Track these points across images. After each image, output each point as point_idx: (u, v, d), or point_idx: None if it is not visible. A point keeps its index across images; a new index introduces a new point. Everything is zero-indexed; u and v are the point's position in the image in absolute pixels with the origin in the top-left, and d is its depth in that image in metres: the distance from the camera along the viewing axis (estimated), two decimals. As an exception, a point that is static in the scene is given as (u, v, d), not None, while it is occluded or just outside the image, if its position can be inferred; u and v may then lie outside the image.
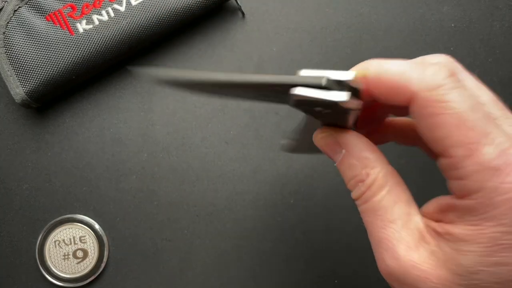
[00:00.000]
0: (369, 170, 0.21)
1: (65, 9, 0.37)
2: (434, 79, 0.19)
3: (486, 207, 0.18)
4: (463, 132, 0.18)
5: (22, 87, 0.37)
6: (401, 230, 0.21)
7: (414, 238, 0.21)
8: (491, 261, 0.18)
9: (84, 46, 0.37)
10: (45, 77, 0.37)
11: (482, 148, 0.18)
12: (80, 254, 0.39)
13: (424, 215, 0.22)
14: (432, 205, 0.22)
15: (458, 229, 0.19)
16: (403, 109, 0.22)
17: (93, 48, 0.37)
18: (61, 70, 0.37)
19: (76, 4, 0.37)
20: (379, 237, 0.21)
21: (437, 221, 0.21)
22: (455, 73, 0.19)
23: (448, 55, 0.21)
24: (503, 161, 0.18)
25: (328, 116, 0.21)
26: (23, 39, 0.37)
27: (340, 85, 0.20)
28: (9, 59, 0.37)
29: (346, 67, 0.36)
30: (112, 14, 0.37)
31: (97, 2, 0.37)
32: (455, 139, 0.18)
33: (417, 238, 0.21)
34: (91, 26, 0.37)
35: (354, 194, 0.22)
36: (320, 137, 0.23)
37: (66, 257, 0.39)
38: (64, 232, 0.39)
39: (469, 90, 0.19)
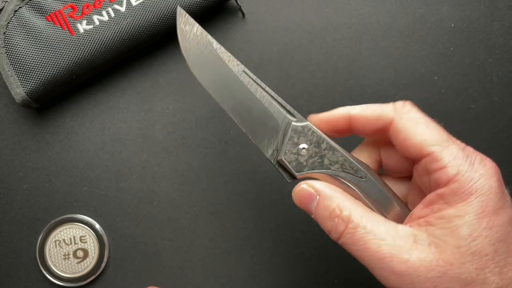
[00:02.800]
0: (341, 205, 0.26)
1: (66, 9, 0.37)
2: (404, 107, 0.27)
3: (467, 183, 0.24)
4: (435, 135, 0.25)
5: (23, 87, 0.37)
6: (395, 242, 0.24)
7: (409, 241, 0.24)
8: (483, 225, 0.23)
9: (84, 47, 0.37)
10: (45, 77, 0.37)
11: (451, 144, 0.25)
12: (80, 254, 0.39)
13: (413, 219, 0.26)
14: (417, 207, 0.26)
15: (449, 210, 0.24)
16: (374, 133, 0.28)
17: (94, 48, 0.37)
18: (62, 70, 0.37)
19: (76, 5, 0.37)
20: (377, 258, 0.24)
21: (425, 216, 0.25)
22: (414, 105, 0.27)
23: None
24: (468, 152, 0.25)
25: None
26: (23, 39, 0.37)
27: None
28: (10, 59, 0.37)
29: (346, 67, 0.38)
30: (112, 15, 0.37)
31: (98, 2, 0.37)
32: (431, 140, 0.25)
33: (412, 241, 0.24)
34: (91, 26, 0.37)
35: (334, 233, 0.26)
36: (296, 192, 0.27)
37: (67, 257, 0.39)
38: (64, 232, 0.39)
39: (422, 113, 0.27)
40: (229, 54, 0.29)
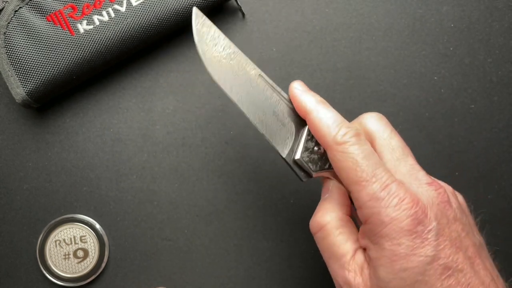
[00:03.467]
0: (326, 214, 0.28)
1: (66, 9, 0.37)
2: (343, 138, 0.27)
3: (378, 227, 0.25)
4: (358, 173, 0.26)
5: (23, 87, 0.37)
6: (350, 261, 0.27)
7: (358, 267, 0.26)
8: (396, 269, 0.24)
9: (84, 47, 0.37)
10: (45, 77, 0.37)
11: (370, 185, 0.25)
12: (80, 253, 0.39)
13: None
14: (359, 235, 0.28)
15: (371, 252, 0.26)
16: None
17: (94, 48, 0.37)
18: (62, 70, 0.37)
19: (76, 5, 0.37)
20: (335, 264, 0.27)
21: (364, 249, 0.27)
22: (360, 134, 0.27)
23: (379, 113, 0.30)
24: (386, 193, 0.25)
25: None
26: (23, 39, 0.37)
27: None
28: (10, 59, 0.37)
29: (346, 67, 0.38)
30: (112, 15, 0.37)
31: (98, 2, 0.37)
32: (352, 178, 0.26)
33: (360, 268, 0.26)
34: (91, 26, 0.37)
35: (313, 231, 0.29)
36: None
37: (67, 256, 0.39)
38: (64, 232, 0.39)
39: (366, 145, 0.27)
40: (246, 57, 0.30)
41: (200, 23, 0.29)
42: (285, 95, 0.30)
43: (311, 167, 0.29)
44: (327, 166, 0.29)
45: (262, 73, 0.30)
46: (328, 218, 0.28)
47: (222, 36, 0.30)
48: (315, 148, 0.29)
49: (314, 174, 0.29)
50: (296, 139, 0.29)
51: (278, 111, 0.29)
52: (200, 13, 0.29)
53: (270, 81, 0.30)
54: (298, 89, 0.29)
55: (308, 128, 0.29)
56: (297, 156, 0.29)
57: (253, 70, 0.30)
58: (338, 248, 0.27)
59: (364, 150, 0.26)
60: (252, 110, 0.29)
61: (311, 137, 0.29)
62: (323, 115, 0.28)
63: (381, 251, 0.25)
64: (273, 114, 0.29)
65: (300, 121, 0.30)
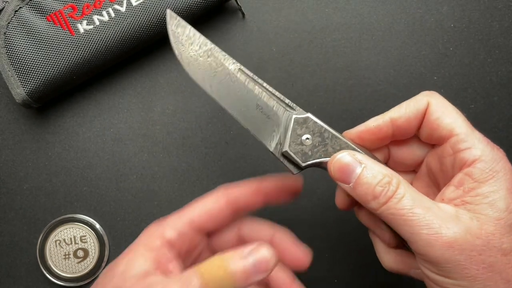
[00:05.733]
0: (389, 174, 0.26)
1: (66, 9, 0.37)
2: (434, 93, 0.28)
3: (492, 162, 0.25)
4: (462, 120, 0.27)
5: (23, 87, 0.37)
6: (440, 213, 0.24)
7: (453, 214, 0.25)
8: None
9: (84, 47, 0.37)
10: (45, 77, 0.37)
11: (474, 130, 0.26)
12: (80, 253, 0.39)
13: (445, 202, 0.26)
14: (447, 190, 0.26)
15: (483, 187, 0.25)
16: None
17: (94, 48, 0.37)
18: (62, 70, 0.37)
19: (76, 5, 0.37)
20: (423, 226, 0.24)
21: (459, 197, 0.26)
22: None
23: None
24: (486, 139, 0.26)
25: None
26: (24, 39, 0.37)
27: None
28: (10, 59, 0.37)
29: (346, 67, 0.38)
30: (112, 15, 0.37)
31: (98, 2, 0.37)
32: (460, 122, 0.27)
33: (454, 214, 0.25)
34: (91, 26, 0.37)
35: (382, 198, 0.25)
36: (337, 160, 0.27)
37: (67, 256, 0.39)
38: (64, 232, 0.39)
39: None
40: (224, 53, 0.29)
41: (175, 24, 0.29)
42: (268, 87, 0.29)
43: (300, 158, 0.28)
44: (317, 156, 0.28)
45: (242, 67, 0.29)
46: (397, 176, 0.27)
47: (197, 34, 0.29)
48: (303, 139, 0.28)
49: (304, 165, 0.28)
50: (283, 131, 0.28)
51: (261, 103, 0.28)
52: (174, 15, 0.29)
53: (251, 74, 0.29)
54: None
55: (295, 118, 0.28)
56: (285, 148, 0.28)
57: (232, 64, 0.29)
58: (422, 202, 0.26)
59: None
60: (234, 105, 0.28)
61: (300, 127, 0.28)
62: (396, 108, 0.28)
63: (498, 183, 0.25)
64: (256, 107, 0.28)
65: (286, 111, 0.29)
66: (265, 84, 0.29)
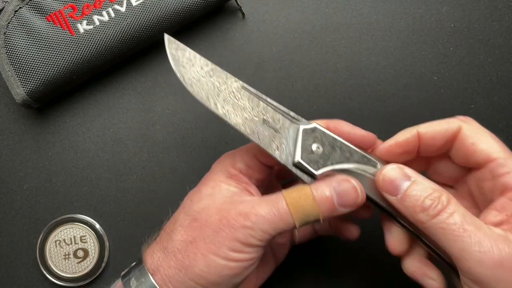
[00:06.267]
0: (439, 189, 0.26)
1: (66, 9, 0.37)
2: (468, 118, 0.29)
3: None
4: (498, 145, 0.27)
5: (23, 87, 0.37)
6: (489, 231, 0.24)
7: (502, 235, 0.24)
8: None
9: (84, 47, 0.37)
10: (45, 77, 0.37)
11: None
12: (80, 253, 0.39)
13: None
14: (490, 214, 0.26)
15: None
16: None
17: (94, 48, 0.37)
18: (62, 70, 0.37)
19: (76, 5, 0.37)
20: (475, 240, 0.24)
21: (504, 221, 0.26)
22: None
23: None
24: None
25: None
26: (23, 39, 0.37)
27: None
28: (10, 59, 0.37)
29: (346, 67, 0.38)
30: (112, 15, 0.37)
31: (98, 2, 0.37)
32: (496, 147, 0.27)
33: (504, 235, 0.24)
34: (91, 26, 0.37)
35: (432, 211, 0.25)
36: (387, 172, 0.27)
37: (67, 256, 0.39)
38: (64, 232, 0.39)
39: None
40: (225, 72, 0.30)
41: (174, 48, 0.30)
42: (272, 101, 0.30)
43: (312, 167, 0.28)
44: (328, 163, 0.28)
45: (245, 84, 0.30)
46: (446, 193, 0.27)
47: (197, 56, 0.30)
48: (313, 148, 0.28)
49: (318, 175, 0.28)
50: (293, 143, 0.29)
51: (268, 118, 0.29)
52: (172, 39, 0.30)
53: (254, 91, 0.30)
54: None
55: (303, 129, 0.28)
56: (296, 159, 0.28)
57: (235, 82, 0.29)
58: (473, 220, 0.26)
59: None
60: (242, 122, 0.29)
61: (308, 137, 0.28)
62: (427, 124, 0.29)
63: None
64: (263, 122, 0.29)
65: (292, 124, 0.29)
66: (269, 100, 0.30)
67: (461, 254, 0.24)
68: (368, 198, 0.28)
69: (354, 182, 0.27)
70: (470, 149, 0.27)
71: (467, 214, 0.25)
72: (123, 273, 0.30)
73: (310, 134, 0.28)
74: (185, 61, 0.29)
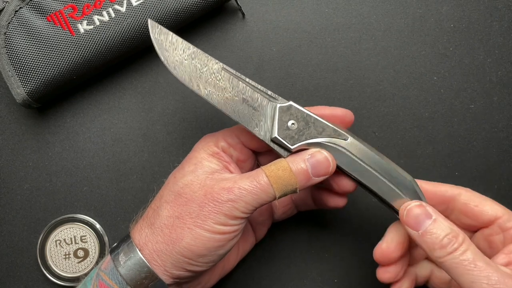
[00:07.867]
0: (456, 230, 0.28)
1: (66, 9, 0.37)
2: (463, 187, 0.32)
3: None
4: (497, 205, 0.31)
5: (23, 87, 0.37)
6: (498, 268, 0.27)
7: (509, 273, 0.27)
8: None
9: (85, 47, 0.37)
10: (46, 77, 0.37)
11: (510, 211, 0.31)
12: (81, 253, 0.39)
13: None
14: (499, 258, 0.30)
15: None
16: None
17: (94, 48, 0.37)
18: (62, 70, 0.37)
19: (77, 5, 0.37)
20: (484, 274, 0.27)
21: (509, 263, 0.29)
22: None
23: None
24: None
25: None
26: (24, 39, 0.37)
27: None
28: (10, 59, 0.37)
29: (346, 67, 0.38)
30: (112, 15, 0.37)
31: (98, 2, 0.37)
32: (497, 207, 0.31)
33: (511, 274, 0.27)
34: (92, 26, 0.37)
35: (448, 249, 0.28)
36: (411, 210, 0.29)
37: (67, 256, 0.39)
38: (65, 232, 0.39)
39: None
40: (206, 54, 0.31)
41: (157, 32, 0.31)
42: (250, 81, 0.31)
43: (288, 142, 0.30)
44: (303, 138, 0.30)
45: (225, 66, 0.31)
46: (462, 232, 0.30)
47: (180, 39, 0.31)
48: (289, 124, 0.30)
49: (293, 149, 0.30)
50: (270, 120, 0.31)
51: (247, 97, 0.31)
52: (155, 23, 0.31)
53: (234, 71, 0.31)
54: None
55: (279, 107, 0.30)
56: (274, 134, 0.30)
57: (215, 64, 0.31)
58: (484, 257, 0.29)
59: None
60: (223, 102, 0.31)
61: (284, 115, 0.31)
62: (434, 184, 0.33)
63: None
64: (243, 101, 0.31)
65: (270, 102, 0.31)
66: (247, 79, 0.32)
67: (471, 287, 0.26)
68: (338, 167, 0.31)
69: (325, 153, 0.30)
70: (476, 210, 0.31)
71: (478, 252, 0.28)
72: (111, 247, 0.31)
73: (286, 112, 0.31)
74: (168, 44, 0.31)
